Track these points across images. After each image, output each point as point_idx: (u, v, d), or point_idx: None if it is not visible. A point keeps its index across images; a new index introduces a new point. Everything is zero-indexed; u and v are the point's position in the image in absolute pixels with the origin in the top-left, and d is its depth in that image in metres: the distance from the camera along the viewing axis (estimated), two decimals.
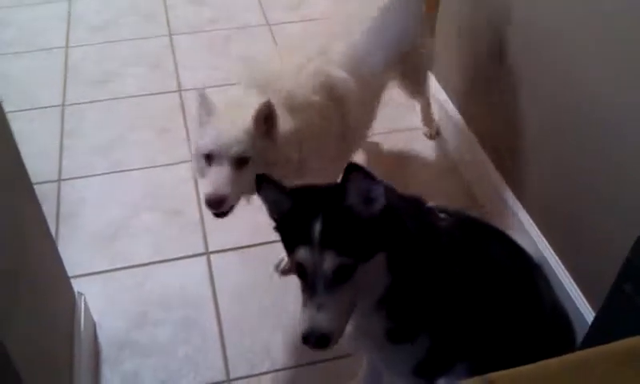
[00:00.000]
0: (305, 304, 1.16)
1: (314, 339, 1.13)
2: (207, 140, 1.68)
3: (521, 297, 1.40)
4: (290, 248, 1.19)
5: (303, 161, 1.78)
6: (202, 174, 1.74)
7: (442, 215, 1.34)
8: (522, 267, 1.47)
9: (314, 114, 1.80)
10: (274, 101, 1.67)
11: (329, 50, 1.93)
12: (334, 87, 1.87)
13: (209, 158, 1.68)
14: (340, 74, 1.89)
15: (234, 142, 1.64)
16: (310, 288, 1.15)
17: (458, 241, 1.31)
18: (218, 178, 1.65)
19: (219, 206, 1.66)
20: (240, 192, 1.70)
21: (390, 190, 1.19)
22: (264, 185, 1.20)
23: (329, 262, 1.12)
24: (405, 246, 1.19)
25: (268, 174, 1.22)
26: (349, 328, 1.32)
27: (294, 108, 1.75)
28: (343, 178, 1.10)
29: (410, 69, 2.35)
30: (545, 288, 1.49)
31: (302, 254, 1.14)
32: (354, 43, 1.98)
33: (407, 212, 1.22)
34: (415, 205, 1.30)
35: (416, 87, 2.50)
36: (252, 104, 1.66)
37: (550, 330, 1.46)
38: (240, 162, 1.65)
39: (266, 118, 1.65)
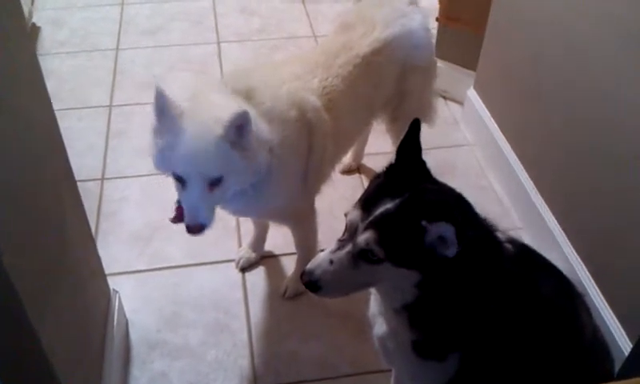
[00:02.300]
0: (330, 248, 1.23)
1: (307, 279, 1.23)
2: (178, 162, 1.54)
3: (561, 329, 1.37)
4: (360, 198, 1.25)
5: (267, 175, 1.69)
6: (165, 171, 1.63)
7: (508, 246, 1.31)
8: (567, 299, 1.44)
9: (289, 128, 1.73)
10: (255, 110, 1.63)
11: (308, 76, 1.86)
12: (306, 112, 1.79)
13: (176, 177, 1.58)
14: (313, 100, 1.82)
15: (208, 162, 1.53)
16: (341, 241, 1.22)
17: (511, 274, 1.28)
18: (194, 204, 1.57)
19: (200, 232, 1.61)
20: (215, 207, 1.63)
21: (466, 214, 1.20)
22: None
23: (364, 238, 1.17)
24: (446, 282, 1.18)
25: None
26: (383, 328, 1.38)
27: (272, 119, 1.68)
28: (448, 214, 1.11)
29: (400, 115, 2.21)
30: (587, 319, 1.46)
31: (354, 215, 1.21)
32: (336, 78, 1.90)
33: (476, 243, 1.19)
34: (487, 235, 1.27)
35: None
36: (227, 107, 1.55)
37: (587, 361, 1.43)
38: (214, 182, 1.56)
39: (238, 128, 1.51)
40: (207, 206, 1.58)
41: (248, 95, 1.67)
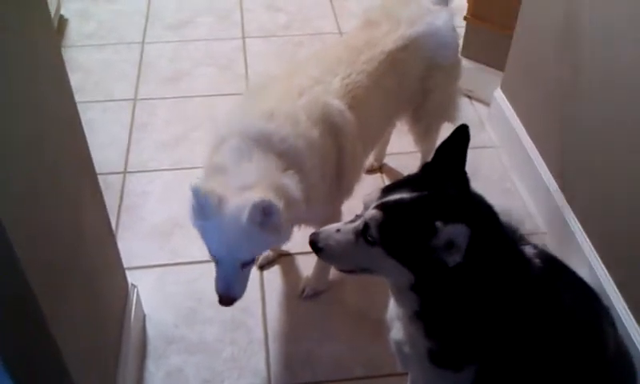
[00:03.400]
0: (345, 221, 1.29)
1: (312, 238, 1.28)
2: (212, 244, 1.58)
3: (584, 344, 1.33)
4: None
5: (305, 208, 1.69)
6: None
7: (536, 260, 1.28)
8: (591, 313, 1.40)
9: (315, 156, 1.70)
10: (275, 154, 1.60)
11: (329, 77, 1.83)
12: (331, 116, 1.76)
13: (213, 256, 1.61)
14: (336, 103, 1.78)
15: (240, 249, 1.56)
16: (357, 216, 1.25)
17: (533, 290, 1.25)
18: (227, 281, 1.60)
19: (231, 304, 1.64)
20: (247, 280, 1.66)
21: (490, 227, 1.17)
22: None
23: (367, 215, 1.19)
24: (443, 291, 1.17)
25: None
26: (400, 333, 1.37)
27: (296, 159, 1.64)
28: (466, 219, 1.09)
29: (423, 113, 2.20)
30: (610, 332, 1.42)
31: (372, 195, 1.24)
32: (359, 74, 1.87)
33: (487, 257, 1.16)
34: (508, 250, 1.23)
35: (426, 135, 2.32)
36: (256, 181, 1.55)
37: (610, 375, 1.39)
38: (247, 262, 1.61)
39: (264, 211, 1.50)
40: (240, 281, 1.63)
41: (266, 140, 1.62)
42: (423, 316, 1.22)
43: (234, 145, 1.64)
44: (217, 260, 1.60)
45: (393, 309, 1.44)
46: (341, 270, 1.34)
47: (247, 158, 1.61)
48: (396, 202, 1.16)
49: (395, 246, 1.16)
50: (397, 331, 1.41)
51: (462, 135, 1.24)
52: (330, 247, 1.26)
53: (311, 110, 1.73)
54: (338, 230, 1.25)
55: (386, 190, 1.21)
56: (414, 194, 1.15)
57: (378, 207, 1.17)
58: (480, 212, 1.19)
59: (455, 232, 1.07)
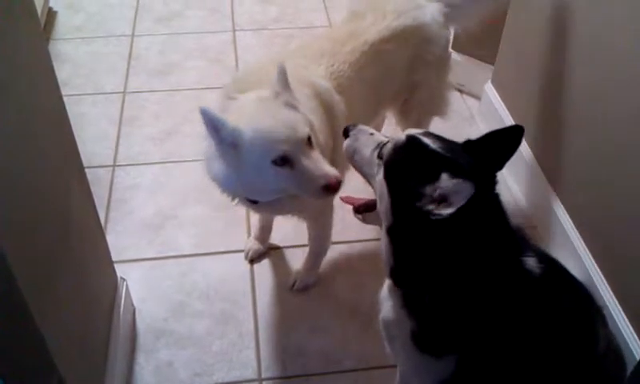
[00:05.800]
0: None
1: (349, 126, 1.43)
2: (275, 144, 1.53)
3: (575, 346, 1.33)
4: None
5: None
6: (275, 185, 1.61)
7: (536, 266, 1.28)
8: (584, 316, 1.40)
9: (316, 113, 1.73)
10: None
11: (313, 66, 1.85)
12: (321, 94, 1.79)
13: (282, 160, 1.54)
14: (324, 83, 1.81)
15: (298, 125, 1.56)
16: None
17: (526, 291, 1.25)
18: (318, 164, 1.56)
19: (339, 186, 1.57)
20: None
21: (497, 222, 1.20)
22: None
23: (396, 137, 1.28)
24: (412, 247, 1.21)
25: None
26: (390, 314, 1.39)
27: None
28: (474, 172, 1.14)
29: (412, 107, 2.21)
30: (602, 332, 1.42)
31: (413, 131, 1.29)
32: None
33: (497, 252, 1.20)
34: (513, 247, 1.25)
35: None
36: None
37: (600, 371, 1.39)
38: (310, 141, 1.57)
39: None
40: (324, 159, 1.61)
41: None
42: (399, 279, 1.27)
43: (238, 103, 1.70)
44: (289, 160, 1.54)
45: (385, 288, 1.45)
46: (349, 160, 1.44)
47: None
48: (423, 143, 1.21)
49: (394, 171, 1.22)
50: (386, 311, 1.43)
51: (514, 135, 1.25)
52: (354, 139, 1.39)
53: (303, 86, 1.74)
54: (372, 134, 1.38)
55: (426, 134, 1.25)
56: (441, 149, 1.19)
57: (407, 137, 1.24)
58: (490, 195, 1.22)
59: (458, 186, 1.07)
